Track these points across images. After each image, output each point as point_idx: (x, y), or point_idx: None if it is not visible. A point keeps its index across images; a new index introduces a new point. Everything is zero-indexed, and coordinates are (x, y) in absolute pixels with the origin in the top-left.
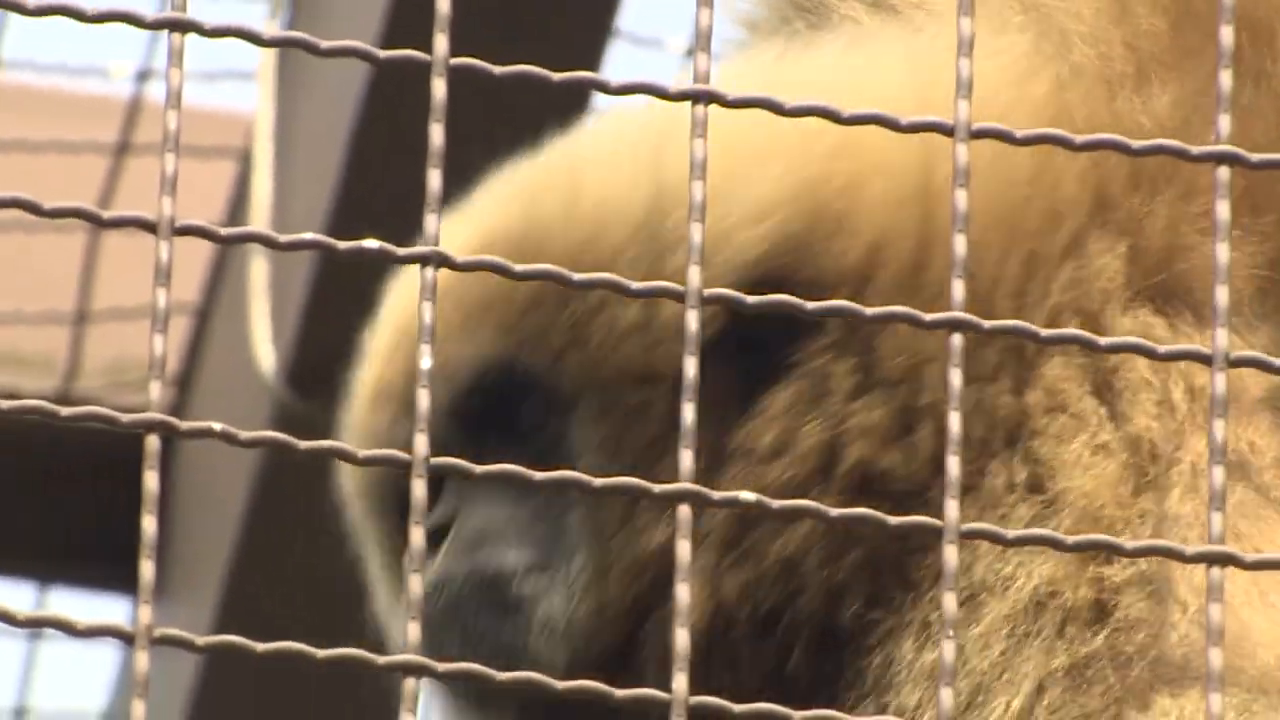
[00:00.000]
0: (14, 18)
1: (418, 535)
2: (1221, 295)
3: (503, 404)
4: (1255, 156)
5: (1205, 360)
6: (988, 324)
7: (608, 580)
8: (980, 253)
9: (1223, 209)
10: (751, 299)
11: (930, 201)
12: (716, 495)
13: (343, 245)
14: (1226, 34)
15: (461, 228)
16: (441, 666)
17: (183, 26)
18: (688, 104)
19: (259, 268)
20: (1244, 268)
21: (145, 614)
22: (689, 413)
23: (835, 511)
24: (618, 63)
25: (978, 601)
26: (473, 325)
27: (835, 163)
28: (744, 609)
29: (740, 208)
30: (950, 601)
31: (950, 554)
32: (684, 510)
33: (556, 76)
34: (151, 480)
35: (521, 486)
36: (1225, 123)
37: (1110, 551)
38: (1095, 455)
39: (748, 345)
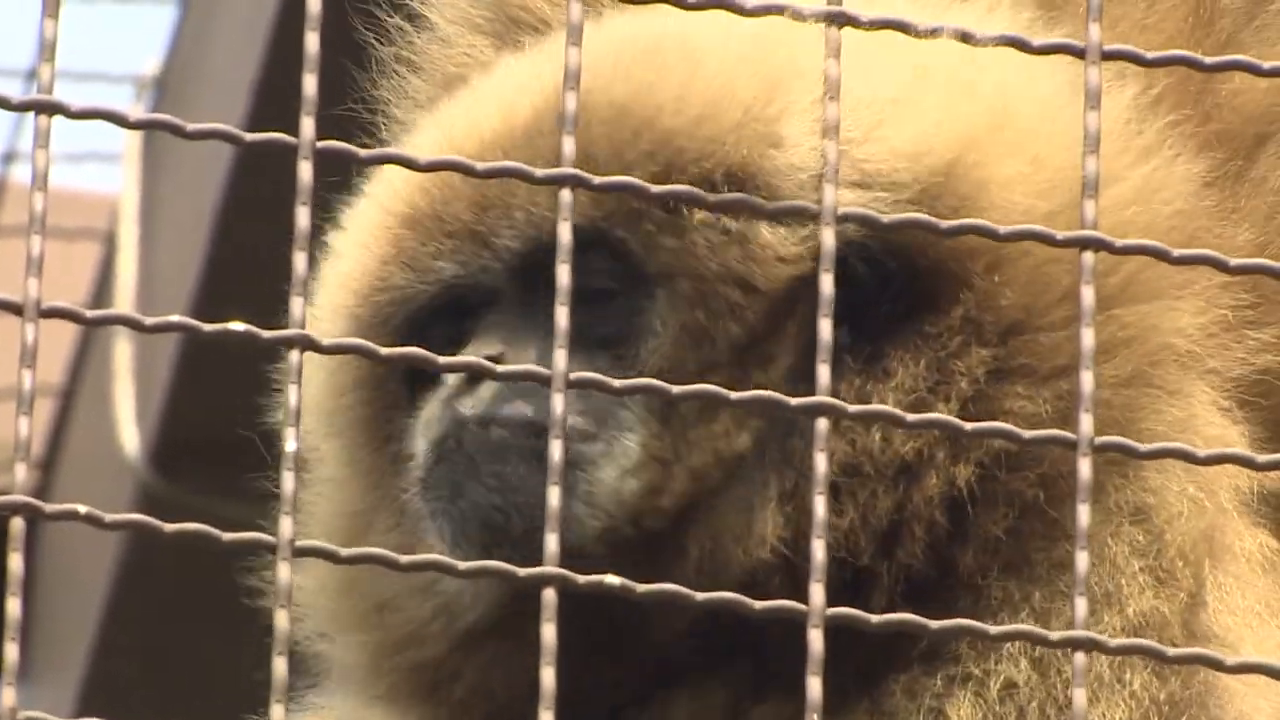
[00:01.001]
0: None
1: (282, 617)
2: (1086, 380)
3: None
4: (1119, 242)
5: (1070, 445)
6: (852, 408)
7: (670, 470)
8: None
9: (1087, 294)
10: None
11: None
12: (582, 579)
13: (208, 327)
14: (1092, 120)
15: (542, 80)
16: None
17: (49, 108)
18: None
19: (123, 350)
20: (1243, 367)
21: (8, 696)
22: (554, 496)
23: (701, 596)
24: None
25: (1105, 599)
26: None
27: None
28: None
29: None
30: (815, 686)
31: (815, 638)
32: (549, 594)
33: (423, 160)
34: (16, 562)
35: None
36: (1090, 209)
37: (976, 637)
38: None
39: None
